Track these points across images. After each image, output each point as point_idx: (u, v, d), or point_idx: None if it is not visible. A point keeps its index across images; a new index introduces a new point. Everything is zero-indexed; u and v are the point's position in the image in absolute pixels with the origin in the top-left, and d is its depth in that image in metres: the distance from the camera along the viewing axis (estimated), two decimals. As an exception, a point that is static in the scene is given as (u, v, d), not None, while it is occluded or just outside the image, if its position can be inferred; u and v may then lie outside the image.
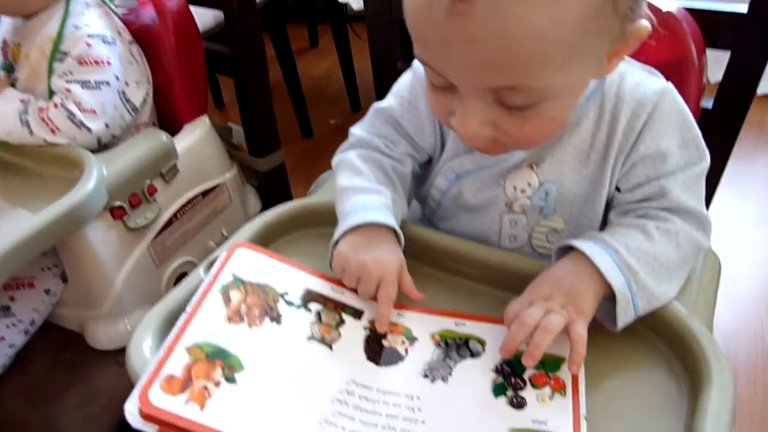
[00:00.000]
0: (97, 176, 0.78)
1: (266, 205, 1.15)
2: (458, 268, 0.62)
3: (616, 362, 0.53)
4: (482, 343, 0.55)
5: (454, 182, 0.64)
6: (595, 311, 0.53)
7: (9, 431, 0.93)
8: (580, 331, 0.50)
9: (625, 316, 0.52)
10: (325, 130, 1.89)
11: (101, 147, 0.87)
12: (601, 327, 0.54)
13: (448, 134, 0.64)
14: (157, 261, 0.92)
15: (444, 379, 0.52)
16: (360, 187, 0.62)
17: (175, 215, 0.93)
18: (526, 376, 0.51)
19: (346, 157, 0.66)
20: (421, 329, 0.56)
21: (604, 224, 0.62)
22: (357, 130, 0.68)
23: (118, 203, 0.84)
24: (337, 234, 0.59)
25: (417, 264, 0.61)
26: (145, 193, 0.87)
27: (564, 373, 0.51)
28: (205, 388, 0.46)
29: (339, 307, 0.57)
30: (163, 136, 0.89)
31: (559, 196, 0.61)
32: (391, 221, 0.59)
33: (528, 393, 0.50)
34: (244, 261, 0.57)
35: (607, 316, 0.53)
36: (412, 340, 0.55)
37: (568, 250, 0.55)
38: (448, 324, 0.57)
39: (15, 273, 0.79)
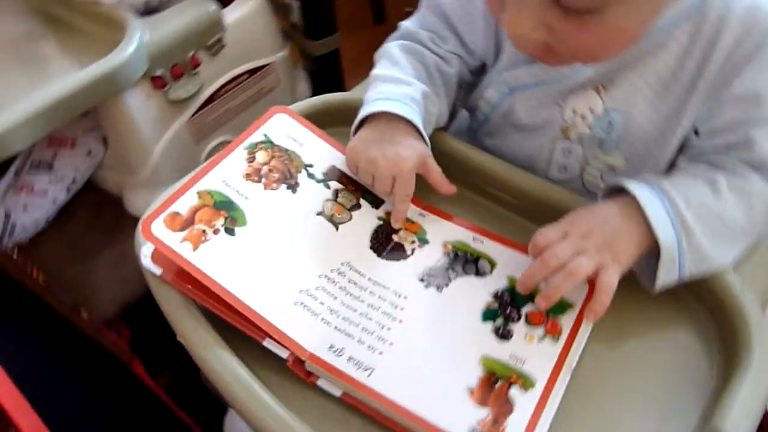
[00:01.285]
0: (138, 41, 0.75)
1: (317, 92, 1.10)
2: (496, 194, 0.57)
3: (642, 322, 0.49)
4: (492, 264, 0.51)
5: (507, 96, 0.58)
6: (634, 263, 0.47)
7: (51, 281, 0.98)
8: (610, 279, 0.45)
9: (666, 277, 0.47)
10: (401, 18, 1.78)
11: (148, 11, 0.84)
12: (634, 279, 0.49)
13: (506, 40, 0.57)
14: (195, 137, 0.90)
15: (438, 288, 0.50)
16: (390, 77, 0.56)
17: (218, 92, 0.90)
18: (524, 310, 0.48)
19: (387, 47, 0.60)
20: (437, 235, 0.53)
21: (670, 171, 0.54)
22: (406, 22, 0.62)
23: (159, 72, 0.81)
24: (354, 125, 0.55)
25: (450, 181, 0.56)
26: (188, 64, 0.84)
27: (566, 320, 0.47)
28: (204, 232, 0.48)
29: (359, 191, 0.55)
30: (211, 5, 0.84)
31: (625, 130, 0.54)
32: (410, 114, 0.53)
33: (518, 327, 0.47)
34: (281, 126, 0.57)
35: (646, 271, 0.48)
36: (423, 242, 0.53)
37: (619, 191, 0.49)
38: (466, 237, 0.53)
39: (56, 130, 0.79)
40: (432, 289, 0.50)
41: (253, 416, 0.42)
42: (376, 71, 0.58)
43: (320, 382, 0.45)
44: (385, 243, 0.53)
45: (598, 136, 0.55)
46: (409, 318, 0.48)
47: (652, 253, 0.47)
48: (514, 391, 0.44)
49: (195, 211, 0.50)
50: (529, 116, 0.57)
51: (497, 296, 0.49)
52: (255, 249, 0.49)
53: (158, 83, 0.82)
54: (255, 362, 0.45)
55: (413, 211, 0.55)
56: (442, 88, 0.59)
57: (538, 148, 0.58)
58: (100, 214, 0.96)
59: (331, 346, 0.46)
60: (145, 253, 0.49)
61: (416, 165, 0.52)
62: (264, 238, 0.50)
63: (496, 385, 0.44)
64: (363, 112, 0.54)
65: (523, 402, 0.44)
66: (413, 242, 0.53)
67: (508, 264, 0.51)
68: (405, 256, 0.52)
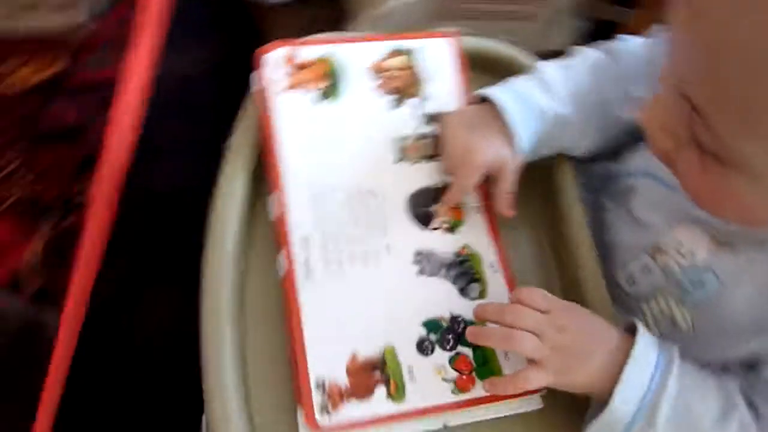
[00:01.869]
0: None
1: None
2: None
3: None
4: (482, 294, 0.51)
5: (638, 175, 0.52)
6: (575, 392, 0.44)
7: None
8: (533, 378, 0.43)
9: None
10: None
11: None
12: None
13: None
14: (436, 13, 0.91)
15: (421, 272, 0.51)
16: (544, 80, 0.53)
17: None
18: (459, 350, 0.48)
19: (584, 51, 0.56)
20: (467, 235, 0.53)
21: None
22: (623, 44, 0.56)
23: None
24: (475, 95, 0.54)
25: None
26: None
27: (483, 384, 0.46)
28: (302, 82, 0.53)
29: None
30: None
31: (713, 302, 0.46)
32: (517, 121, 0.50)
33: (439, 356, 0.48)
34: (438, 49, 0.57)
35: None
36: (450, 230, 0.52)
37: (631, 328, 0.44)
38: (487, 257, 0.52)
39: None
40: (416, 267, 0.51)
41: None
42: (542, 66, 0.55)
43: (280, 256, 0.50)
44: (422, 203, 0.53)
45: (681, 283, 0.48)
46: (375, 267, 0.50)
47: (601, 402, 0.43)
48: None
49: (311, 64, 0.54)
50: (640, 208, 0.51)
51: (455, 318, 0.49)
52: (325, 126, 0.53)
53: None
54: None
55: (471, 199, 0.54)
56: (600, 122, 0.54)
57: (625, 243, 0.52)
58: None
59: (305, 239, 0.50)
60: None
61: (487, 166, 0.50)
62: (338, 122, 0.53)
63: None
64: (483, 91, 0.52)
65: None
66: (444, 223, 0.53)
67: (493, 300, 0.50)
68: (424, 227, 0.52)
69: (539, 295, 0.46)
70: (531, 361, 0.44)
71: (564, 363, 0.43)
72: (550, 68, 0.54)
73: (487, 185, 0.53)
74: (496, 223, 0.53)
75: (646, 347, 0.43)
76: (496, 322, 0.45)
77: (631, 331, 0.44)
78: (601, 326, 0.45)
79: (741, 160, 0.34)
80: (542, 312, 0.45)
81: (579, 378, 0.43)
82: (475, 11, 0.92)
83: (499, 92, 0.52)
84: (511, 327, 0.44)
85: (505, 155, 0.51)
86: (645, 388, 0.42)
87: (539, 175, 0.55)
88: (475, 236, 0.53)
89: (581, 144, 0.54)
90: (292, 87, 0.53)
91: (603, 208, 0.56)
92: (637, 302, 0.51)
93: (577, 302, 0.47)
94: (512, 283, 0.51)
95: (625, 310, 0.51)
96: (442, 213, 0.53)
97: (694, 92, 0.34)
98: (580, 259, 0.52)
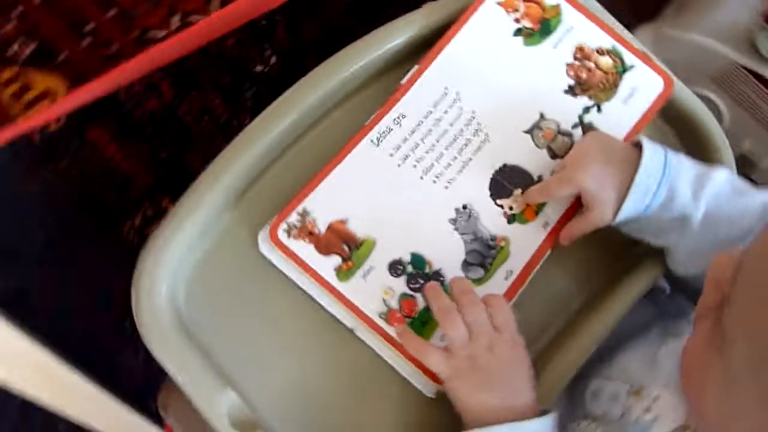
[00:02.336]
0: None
1: None
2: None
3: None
4: (483, 280, 0.50)
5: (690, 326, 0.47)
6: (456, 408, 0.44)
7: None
8: (434, 359, 0.44)
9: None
10: None
11: None
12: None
13: None
14: None
15: (453, 226, 0.50)
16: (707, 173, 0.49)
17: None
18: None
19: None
20: (516, 233, 0.51)
21: None
22: None
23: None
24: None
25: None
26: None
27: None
28: None
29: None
30: None
31: None
32: (639, 179, 0.47)
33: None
34: None
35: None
36: (512, 220, 0.51)
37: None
38: (515, 262, 0.50)
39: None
40: (453, 214, 0.50)
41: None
42: (721, 167, 0.49)
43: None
44: (510, 178, 0.52)
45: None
46: (426, 182, 0.51)
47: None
48: None
49: (540, 4, 0.54)
50: (668, 350, 0.47)
51: (437, 273, 0.49)
52: (499, 55, 0.54)
53: None
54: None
55: (550, 213, 0.51)
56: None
57: (629, 364, 0.48)
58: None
59: (403, 115, 0.52)
60: None
61: (585, 191, 0.47)
62: (511, 62, 0.53)
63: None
64: (646, 140, 0.48)
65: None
66: (510, 209, 0.51)
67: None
68: (492, 196, 0.51)
69: (505, 313, 0.44)
70: (446, 348, 0.44)
71: (467, 374, 0.42)
72: (724, 173, 0.49)
73: (574, 211, 0.51)
74: (547, 247, 0.51)
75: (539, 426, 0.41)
76: (455, 301, 0.45)
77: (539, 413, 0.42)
78: (522, 383, 0.43)
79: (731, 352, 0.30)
80: (494, 327, 0.44)
81: (469, 400, 0.42)
82: None
83: (654, 152, 0.48)
84: (460, 312, 0.44)
85: (605, 200, 0.47)
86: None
87: (624, 249, 0.52)
88: (522, 241, 0.51)
89: (679, 258, 0.49)
90: (507, 5, 0.53)
91: (649, 321, 0.51)
92: (577, 414, 0.48)
93: (539, 364, 0.46)
94: (507, 298, 0.49)
95: (562, 407, 0.48)
96: (517, 200, 0.52)
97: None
98: (577, 342, 0.48)
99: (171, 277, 0.47)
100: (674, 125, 0.58)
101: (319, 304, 0.48)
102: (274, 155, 0.52)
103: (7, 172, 0.62)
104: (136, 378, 0.77)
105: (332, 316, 0.48)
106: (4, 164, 0.60)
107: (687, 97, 0.56)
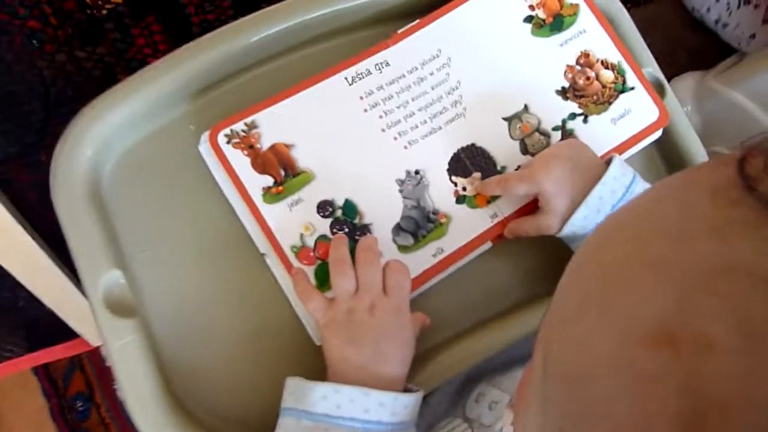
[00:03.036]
0: None
1: None
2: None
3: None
4: (410, 249, 0.48)
5: None
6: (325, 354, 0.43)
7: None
8: (313, 301, 0.43)
9: None
10: None
11: None
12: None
13: None
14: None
15: (400, 183, 0.49)
16: None
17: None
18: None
19: None
20: (459, 215, 0.49)
21: None
22: None
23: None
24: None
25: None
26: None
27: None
28: None
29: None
30: None
31: None
32: (595, 194, 0.45)
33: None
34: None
35: None
36: (459, 199, 0.49)
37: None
38: (450, 241, 0.48)
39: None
40: (403, 175, 0.48)
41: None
42: None
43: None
44: (473, 158, 0.49)
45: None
46: (390, 135, 0.49)
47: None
48: None
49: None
50: None
51: (366, 227, 0.47)
52: (509, 27, 0.51)
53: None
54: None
55: (501, 206, 0.49)
56: None
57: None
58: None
59: (386, 62, 0.50)
60: None
61: (541, 194, 0.45)
62: (517, 39, 0.51)
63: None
64: (617, 158, 0.46)
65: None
66: (462, 189, 0.49)
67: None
68: (448, 171, 0.49)
69: (400, 281, 0.43)
70: (332, 299, 0.43)
71: (341, 326, 0.42)
72: None
73: (528, 211, 0.49)
74: (487, 239, 0.49)
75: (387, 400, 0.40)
76: (358, 251, 0.44)
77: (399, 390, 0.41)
78: (393, 352, 0.42)
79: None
80: (385, 291, 0.43)
81: (335, 352, 0.41)
82: None
83: (622, 174, 0.45)
84: (356, 268, 0.43)
85: (557, 208, 0.45)
86: None
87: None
88: (463, 224, 0.49)
89: None
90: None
91: None
92: (456, 413, 0.47)
93: (435, 351, 0.45)
94: (426, 275, 0.47)
95: (448, 402, 0.47)
96: (473, 183, 0.49)
97: None
98: (478, 344, 0.47)
99: (101, 144, 0.46)
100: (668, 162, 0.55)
101: (239, 220, 0.47)
102: (248, 62, 0.50)
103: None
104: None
105: (248, 235, 0.47)
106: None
107: (688, 136, 0.53)
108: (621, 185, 0.45)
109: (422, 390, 0.42)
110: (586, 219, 0.44)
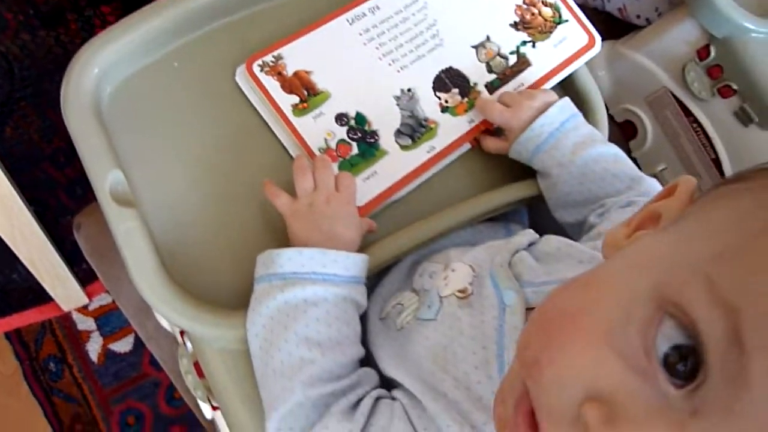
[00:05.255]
0: None
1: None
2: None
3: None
4: (410, 147, 0.60)
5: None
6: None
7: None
8: (282, 199, 0.53)
9: None
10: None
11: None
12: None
13: None
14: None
15: (397, 98, 0.61)
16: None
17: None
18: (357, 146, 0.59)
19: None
20: (446, 122, 0.61)
21: None
22: None
23: None
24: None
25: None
26: None
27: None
28: None
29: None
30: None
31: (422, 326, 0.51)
32: (549, 119, 0.59)
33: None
34: None
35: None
36: (443, 110, 0.62)
37: None
38: (438, 142, 0.61)
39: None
40: (399, 92, 0.61)
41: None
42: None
43: None
44: (453, 77, 0.63)
45: (422, 300, 0.53)
46: (386, 61, 0.62)
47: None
48: None
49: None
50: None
51: (374, 133, 0.59)
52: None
53: None
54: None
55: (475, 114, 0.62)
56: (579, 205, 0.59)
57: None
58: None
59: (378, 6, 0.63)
60: None
61: (508, 126, 0.60)
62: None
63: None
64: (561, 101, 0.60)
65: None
66: (446, 102, 0.62)
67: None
68: (432, 88, 0.62)
69: (348, 182, 0.54)
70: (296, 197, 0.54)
71: (304, 216, 0.52)
72: (614, 148, 0.60)
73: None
74: (466, 139, 0.62)
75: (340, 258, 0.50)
76: (315, 162, 0.55)
77: None
78: (346, 234, 0.52)
79: None
80: (336, 189, 0.54)
81: (299, 235, 0.52)
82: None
83: (562, 111, 0.59)
84: (313, 171, 0.54)
85: (515, 126, 0.59)
86: None
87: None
88: (449, 128, 0.61)
89: (555, 201, 0.61)
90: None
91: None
92: (405, 287, 0.56)
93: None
94: (423, 167, 0.60)
95: (400, 281, 0.58)
96: (453, 97, 0.62)
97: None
98: (427, 225, 0.58)
99: (106, 66, 0.54)
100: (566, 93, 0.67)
101: (272, 132, 0.58)
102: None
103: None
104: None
105: (280, 144, 0.58)
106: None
107: (584, 72, 0.68)
108: (557, 120, 0.58)
109: (368, 256, 0.52)
110: (529, 141, 0.58)
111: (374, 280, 0.57)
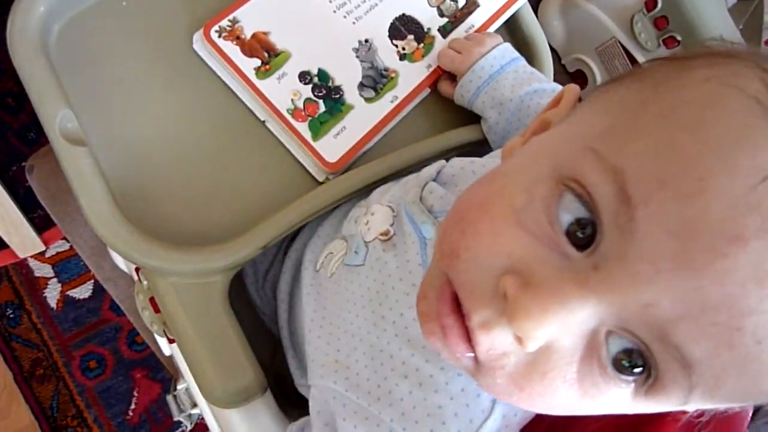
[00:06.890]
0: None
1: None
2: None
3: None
4: (371, 100, 0.61)
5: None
6: None
7: None
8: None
9: None
10: None
11: None
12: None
13: None
14: None
15: (356, 51, 0.62)
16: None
17: None
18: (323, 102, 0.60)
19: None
20: (405, 70, 0.63)
21: None
22: None
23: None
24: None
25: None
26: None
27: None
28: None
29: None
30: None
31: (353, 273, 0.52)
32: (490, 64, 0.62)
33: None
34: None
35: None
36: (401, 57, 0.63)
37: None
38: (399, 91, 0.62)
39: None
40: (356, 44, 0.61)
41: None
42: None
43: None
44: (407, 24, 0.64)
45: (350, 248, 0.53)
46: (339, 15, 0.62)
47: None
48: None
49: None
50: None
51: (338, 88, 0.60)
52: None
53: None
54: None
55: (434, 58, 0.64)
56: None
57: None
58: None
59: None
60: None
61: (456, 70, 0.62)
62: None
63: None
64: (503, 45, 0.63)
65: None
66: (403, 49, 0.63)
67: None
68: (388, 35, 0.63)
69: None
70: None
71: None
72: (553, 86, 0.61)
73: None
74: (426, 85, 0.63)
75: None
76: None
77: None
78: None
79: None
80: None
81: None
82: None
83: (502, 55, 0.61)
84: None
85: (463, 72, 0.61)
86: None
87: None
88: (408, 75, 0.63)
89: (495, 137, 0.62)
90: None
91: None
92: (336, 235, 0.56)
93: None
94: (388, 118, 0.61)
95: (334, 225, 0.59)
96: (409, 44, 0.64)
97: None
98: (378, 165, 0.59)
99: (53, 3, 0.53)
100: (515, 39, 0.71)
101: (237, 98, 0.58)
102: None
103: None
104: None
105: (246, 108, 0.59)
106: None
107: (531, 19, 0.70)
108: (498, 63, 0.60)
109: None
110: (470, 83, 0.60)
111: (311, 229, 0.59)
